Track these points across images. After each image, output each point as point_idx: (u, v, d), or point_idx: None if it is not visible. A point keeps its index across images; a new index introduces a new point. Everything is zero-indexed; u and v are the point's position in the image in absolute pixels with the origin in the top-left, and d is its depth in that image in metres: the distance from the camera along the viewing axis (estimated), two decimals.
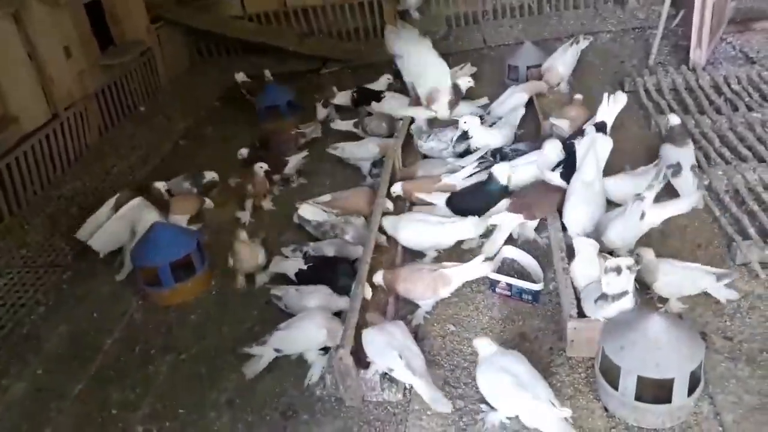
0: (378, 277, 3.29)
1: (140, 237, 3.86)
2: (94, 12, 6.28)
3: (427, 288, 3.24)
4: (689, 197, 3.35)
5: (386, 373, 2.87)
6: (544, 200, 3.71)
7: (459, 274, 3.25)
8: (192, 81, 7.36)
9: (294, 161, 4.85)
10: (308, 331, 3.09)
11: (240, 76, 6.22)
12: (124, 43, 6.67)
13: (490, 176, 3.76)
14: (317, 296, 3.34)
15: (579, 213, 3.44)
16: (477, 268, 3.25)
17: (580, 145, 3.65)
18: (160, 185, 4.44)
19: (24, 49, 5.20)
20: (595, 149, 3.55)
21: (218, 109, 6.58)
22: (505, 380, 2.57)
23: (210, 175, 4.59)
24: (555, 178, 3.71)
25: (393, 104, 5.24)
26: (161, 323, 3.66)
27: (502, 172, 3.73)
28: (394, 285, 3.28)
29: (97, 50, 6.24)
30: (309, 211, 4.10)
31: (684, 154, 3.88)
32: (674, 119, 4.06)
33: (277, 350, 3.14)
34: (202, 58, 7.94)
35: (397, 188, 4.06)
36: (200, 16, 7.45)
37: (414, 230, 3.67)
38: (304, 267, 3.57)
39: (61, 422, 3.10)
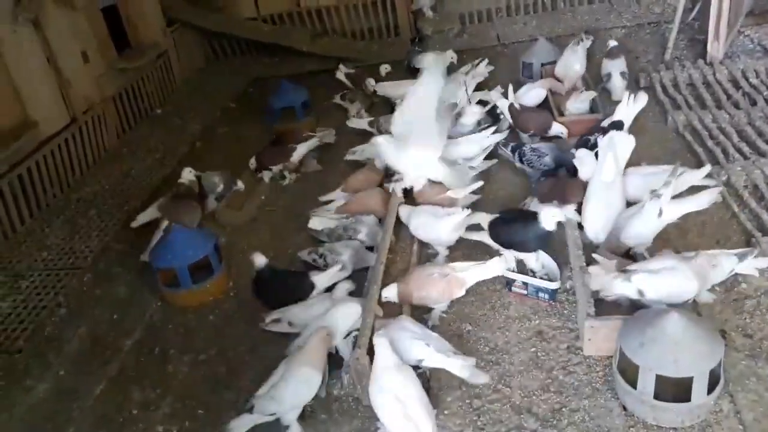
0: (392, 292, 3.21)
1: (159, 239, 3.90)
2: (110, 16, 6.35)
3: (441, 294, 3.21)
4: (706, 195, 3.29)
5: None
6: (572, 184, 3.68)
7: (472, 275, 3.22)
8: (207, 82, 7.41)
9: (302, 149, 4.89)
10: (300, 387, 2.80)
11: (341, 71, 6.14)
12: (140, 46, 6.74)
13: (537, 218, 3.25)
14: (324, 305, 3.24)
15: (598, 216, 3.41)
16: (491, 269, 3.21)
17: (601, 145, 3.62)
18: (187, 175, 4.53)
19: (43, 55, 5.27)
20: (614, 148, 3.51)
21: (233, 110, 6.62)
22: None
23: (240, 185, 4.60)
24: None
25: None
26: (180, 324, 3.70)
27: (550, 217, 3.23)
28: (409, 297, 3.23)
29: (114, 54, 6.31)
30: (317, 222, 4.08)
31: (615, 64, 5.00)
32: (612, 42, 5.15)
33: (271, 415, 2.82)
34: (216, 59, 8.00)
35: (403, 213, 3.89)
36: (214, 17, 7.51)
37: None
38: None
39: (82, 423, 3.14)
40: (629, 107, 4.07)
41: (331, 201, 4.43)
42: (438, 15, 7.19)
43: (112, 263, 4.33)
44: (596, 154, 3.72)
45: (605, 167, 3.46)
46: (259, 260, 3.50)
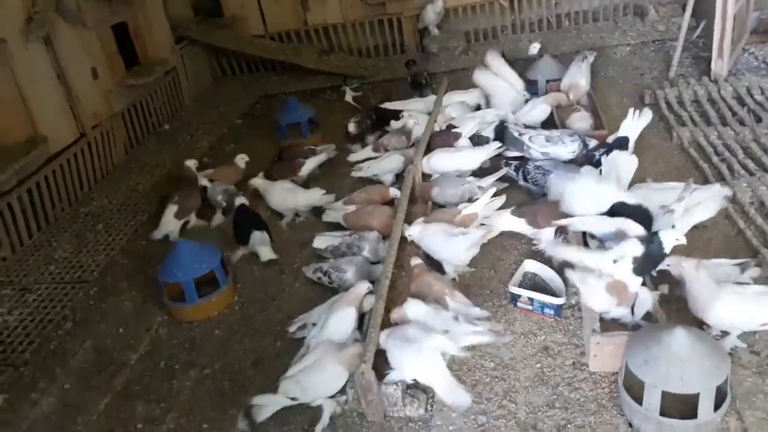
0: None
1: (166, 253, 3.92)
2: (119, 32, 6.43)
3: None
4: (712, 203, 3.31)
5: (408, 388, 2.89)
6: (550, 211, 3.65)
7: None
8: (215, 99, 7.48)
9: (311, 163, 4.95)
10: (327, 380, 2.93)
11: (349, 94, 6.24)
12: (149, 63, 6.82)
13: (655, 240, 2.98)
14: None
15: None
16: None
17: (605, 164, 3.63)
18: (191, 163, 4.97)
19: (53, 71, 5.34)
20: (617, 169, 3.51)
21: (240, 126, 6.67)
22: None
23: (240, 201, 4.59)
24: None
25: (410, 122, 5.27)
26: (185, 338, 3.71)
27: (670, 238, 2.97)
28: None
29: (123, 70, 6.39)
30: (321, 242, 4.09)
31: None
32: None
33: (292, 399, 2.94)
34: (225, 76, 8.08)
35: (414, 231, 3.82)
36: (223, 34, 7.60)
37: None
38: None
39: None
40: (634, 123, 4.09)
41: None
42: (444, 33, 7.25)
43: (118, 277, 4.35)
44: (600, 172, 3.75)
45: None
46: (239, 198, 4.42)
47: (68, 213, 5.27)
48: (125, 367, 3.56)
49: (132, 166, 6.03)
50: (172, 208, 4.58)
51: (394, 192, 4.45)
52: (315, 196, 4.59)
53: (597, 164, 4.00)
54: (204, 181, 4.88)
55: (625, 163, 3.58)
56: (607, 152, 4.04)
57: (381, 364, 2.93)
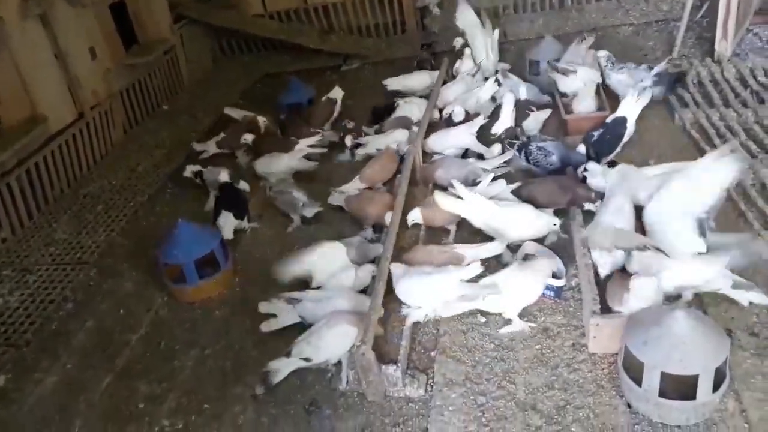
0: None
1: (165, 235, 3.91)
2: (118, 11, 6.36)
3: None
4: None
5: (408, 369, 2.91)
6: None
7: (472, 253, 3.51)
8: (215, 79, 7.43)
9: (303, 143, 4.98)
10: (340, 337, 3.02)
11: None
12: (148, 42, 6.76)
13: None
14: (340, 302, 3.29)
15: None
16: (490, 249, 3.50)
17: (610, 176, 3.64)
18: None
19: (51, 51, 5.30)
20: (628, 185, 3.50)
21: (241, 106, 6.61)
22: None
23: (243, 184, 4.59)
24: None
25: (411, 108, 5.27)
26: (186, 319, 3.72)
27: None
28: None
29: (121, 50, 6.33)
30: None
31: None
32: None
33: (305, 359, 3.06)
34: (224, 56, 8.01)
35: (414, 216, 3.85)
36: (222, 14, 7.51)
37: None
38: None
39: (90, 416, 3.17)
40: (633, 104, 4.08)
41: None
42: (444, 12, 7.15)
43: (118, 258, 4.36)
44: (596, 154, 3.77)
45: (616, 198, 3.45)
46: (223, 176, 4.52)
47: (68, 194, 5.26)
48: (126, 347, 3.58)
49: (131, 146, 6.00)
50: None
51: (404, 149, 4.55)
52: (296, 160, 4.79)
53: (592, 145, 4.08)
54: (195, 168, 4.85)
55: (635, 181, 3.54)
56: (604, 134, 4.12)
57: (380, 345, 2.96)
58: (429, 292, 3.18)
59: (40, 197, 5.02)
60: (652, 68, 4.80)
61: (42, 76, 5.16)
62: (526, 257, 3.46)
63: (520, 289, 3.12)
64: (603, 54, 4.98)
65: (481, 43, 5.62)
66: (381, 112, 5.46)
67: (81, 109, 5.58)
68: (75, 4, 5.54)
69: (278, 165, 4.80)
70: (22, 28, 4.96)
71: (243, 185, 4.55)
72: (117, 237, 4.60)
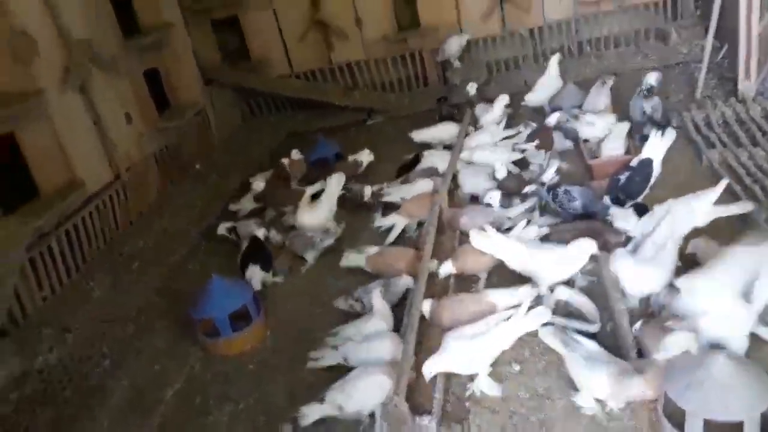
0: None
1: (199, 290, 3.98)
2: (151, 77, 6.66)
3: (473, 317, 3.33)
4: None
5: (443, 420, 2.87)
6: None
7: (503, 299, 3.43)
8: (244, 139, 7.65)
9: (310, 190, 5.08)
10: (373, 388, 3.02)
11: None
12: (180, 105, 7.03)
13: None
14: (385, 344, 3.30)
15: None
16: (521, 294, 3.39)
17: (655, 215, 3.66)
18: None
19: (89, 117, 5.54)
20: (673, 220, 3.52)
21: (270, 165, 6.78)
22: None
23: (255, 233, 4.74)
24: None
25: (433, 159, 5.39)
26: (219, 373, 3.75)
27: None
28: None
29: (155, 113, 6.58)
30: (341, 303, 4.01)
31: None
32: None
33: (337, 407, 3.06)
34: (253, 115, 8.27)
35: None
36: (250, 76, 7.80)
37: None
38: None
39: None
40: (657, 144, 4.10)
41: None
42: (465, 64, 7.33)
43: (153, 316, 4.43)
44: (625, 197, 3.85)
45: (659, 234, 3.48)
46: (257, 230, 4.66)
47: (104, 252, 5.39)
48: (161, 403, 3.60)
49: (164, 206, 6.16)
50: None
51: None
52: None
53: (621, 189, 4.09)
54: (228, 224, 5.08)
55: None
56: (631, 176, 4.13)
57: (414, 395, 2.93)
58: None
59: (78, 256, 5.15)
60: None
61: (80, 141, 5.38)
62: (557, 304, 3.44)
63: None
64: (654, 76, 4.94)
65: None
66: (407, 167, 5.53)
67: (117, 171, 5.78)
68: (112, 73, 5.82)
69: (319, 216, 4.79)
70: (62, 98, 5.22)
71: (273, 235, 4.66)
72: (152, 295, 4.69)
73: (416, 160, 5.49)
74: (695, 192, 3.73)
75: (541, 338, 3.09)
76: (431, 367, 3.03)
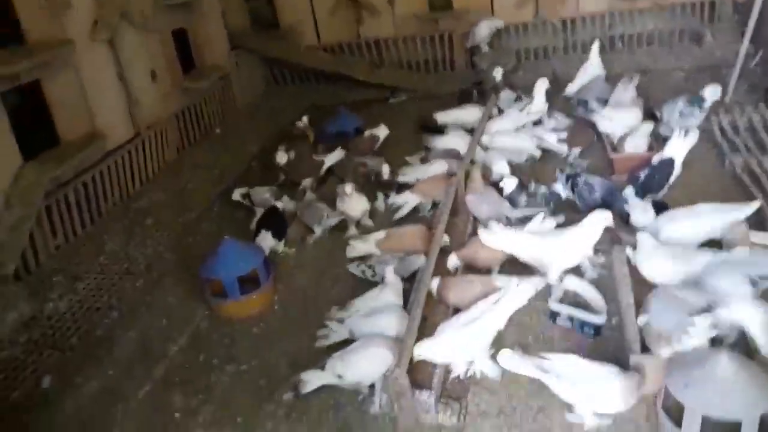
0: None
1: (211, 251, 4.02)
2: (179, 38, 6.67)
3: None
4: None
5: (442, 396, 2.89)
6: None
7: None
8: (266, 106, 7.67)
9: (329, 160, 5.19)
10: (373, 360, 3.04)
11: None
12: (205, 67, 7.04)
13: None
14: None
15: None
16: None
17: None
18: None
19: (115, 72, 5.58)
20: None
21: (290, 133, 6.79)
22: None
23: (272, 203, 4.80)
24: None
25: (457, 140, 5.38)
26: (225, 334, 3.78)
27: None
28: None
29: (180, 74, 6.60)
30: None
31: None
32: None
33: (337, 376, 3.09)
34: (276, 84, 8.27)
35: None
36: (277, 45, 7.79)
37: None
38: None
39: (127, 424, 3.24)
40: (680, 144, 4.06)
41: None
42: (494, 50, 7.26)
43: (164, 272, 4.48)
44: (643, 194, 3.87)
45: None
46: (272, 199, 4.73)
47: (120, 207, 5.46)
48: (166, 358, 3.66)
49: (182, 166, 6.21)
50: None
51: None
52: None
53: (640, 186, 4.06)
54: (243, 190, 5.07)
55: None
56: (651, 174, 4.11)
57: (415, 371, 2.95)
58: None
59: (94, 209, 5.22)
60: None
61: (104, 95, 5.43)
62: (566, 294, 3.44)
63: None
64: (709, 90, 4.85)
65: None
66: (431, 130, 5.60)
67: (138, 128, 5.82)
68: (141, 30, 5.83)
69: (363, 205, 4.63)
70: (89, 50, 5.25)
71: (286, 202, 4.71)
72: (164, 251, 4.74)
73: (441, 129, 5.56)
74: (721, 201, 3.69)
75: (506, 368, 2.89)
76: (421, 350, 2.96)
